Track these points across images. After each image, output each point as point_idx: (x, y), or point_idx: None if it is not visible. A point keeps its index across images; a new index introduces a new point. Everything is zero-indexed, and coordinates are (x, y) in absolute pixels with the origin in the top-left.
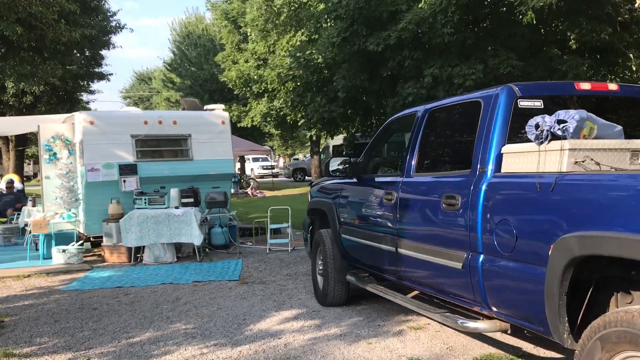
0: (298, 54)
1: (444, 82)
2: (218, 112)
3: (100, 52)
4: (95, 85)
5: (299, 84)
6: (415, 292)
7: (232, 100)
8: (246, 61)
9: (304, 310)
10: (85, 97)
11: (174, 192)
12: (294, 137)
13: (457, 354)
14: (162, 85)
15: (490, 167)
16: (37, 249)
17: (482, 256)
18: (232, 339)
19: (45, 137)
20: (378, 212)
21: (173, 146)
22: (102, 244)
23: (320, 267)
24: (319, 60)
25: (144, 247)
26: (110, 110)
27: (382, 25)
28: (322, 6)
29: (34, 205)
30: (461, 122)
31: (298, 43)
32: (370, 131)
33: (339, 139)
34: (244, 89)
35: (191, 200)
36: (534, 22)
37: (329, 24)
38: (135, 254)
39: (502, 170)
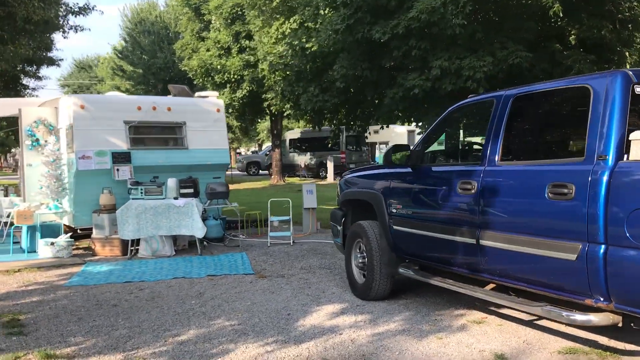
0: (294, 42)
1: (452, 74)
2: (212, 99)
3: (51, 35)
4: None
5: (288, 73)
6: (492, 285)
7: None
8: (207, 50)
9: (346, 305)
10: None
11: (171, 182)
12: (250, 130)
13: (537, 348)
14: (112, 73)
15: (612, 155)
16: (15, 242)
17: (603, 247)
18: (288, 335)
19: (27, 121)
20: (449, 203)
21: (167, 134)
22: (92, 236)
23: (360, 260)
24: (314, 49)
25: (138, 239)
26: (101, 94)
27: (387, 13)
28: None
29: (5, 195)
30: (562, 109)
31: (288, 30)
32: (360, 122)
33: (295, 132)
34: (205, 78)
35: (191, 190)
36: (560, 14)
37: (327, 11)
38: (129, 246)
39: (631, 158)
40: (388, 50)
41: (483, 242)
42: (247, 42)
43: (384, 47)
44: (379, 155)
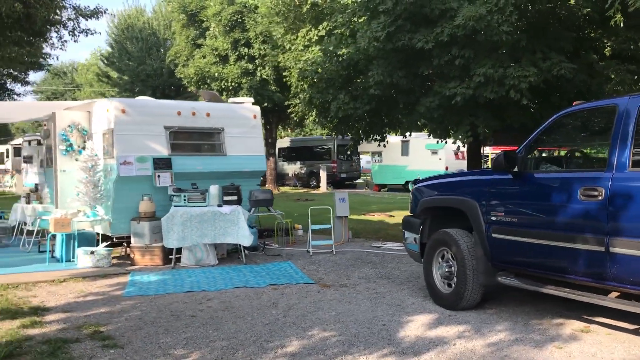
0: (329, 48)
1: (495, 82)
2: (248, 105)
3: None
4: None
5: (315, 80)
6: (617, 293)
7: (175, 98)
8: (203, 57)
9: (436, 315)
10: (17, 88)
11: (214, 189)
12: None
13: None
14: (96, 79)
15: None
16: (42, 251)
17: None
18: (399, 346)
19: (61, 125)
20: (569, 210)
21: (206, 140)
22: (131, 245)
23: (446, 270)
24: (350, 55)
25: (179, 248)
26: (140, 98)
27: (428, 22)
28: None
29: (28, 202)
30: None
31: (316, 37)
32: (384, 131)
33: (284, 141)
34: (202, 86)
35: (234, 198)
36: (622, 24)
37: (362, 19)
38: (169, 255)
39: None
40: (427, 58)
41: (613, 249)
42: (245, 49)
43: (423, 55)
44: (372, 165)
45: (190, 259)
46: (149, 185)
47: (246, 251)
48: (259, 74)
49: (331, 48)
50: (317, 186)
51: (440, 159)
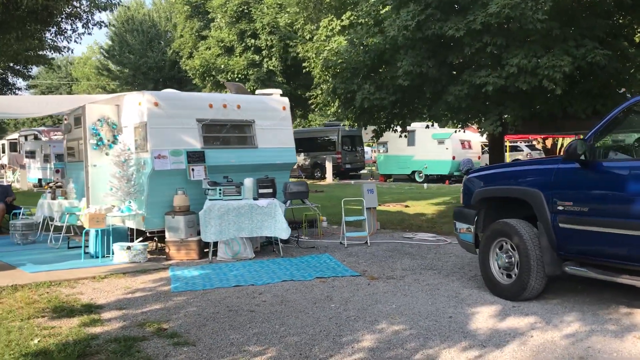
0: (356, 38)
1: (527, 73)
2: (276, 97)
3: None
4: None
5: (338, 70)
6: None
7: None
8: (208, 48)
9: (499, 306)
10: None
11: (248, 182)
12: None
13: None
14: (96, 72)
15: None
16: (71, 247)
17: None
18: (476, 338)
19: (91, 119)
20: None
21: (237, 132)
22: (166, 239)
23: (506, 260)
24: (379, 45)
25: (215, 242)
26: (170, 90)
27: (457, 10)
28: None
29: (54, 198)
30: None
31: (338, 27)
32: (408, 120)
33: None
34: (207, 78)
35: (270, 190)
36: None
37: (387, 8)
38: (204, 249)
39: None
40: (457, 47)
41: None
42: (252, 40)
43: (453, 43)
44: (378, 155)
45: (227, 253)
46: (182, 178)
47: (281, 244)
48: (265, 66)
49: (356, 38)
50: (322, 177)
51: (447, 148)
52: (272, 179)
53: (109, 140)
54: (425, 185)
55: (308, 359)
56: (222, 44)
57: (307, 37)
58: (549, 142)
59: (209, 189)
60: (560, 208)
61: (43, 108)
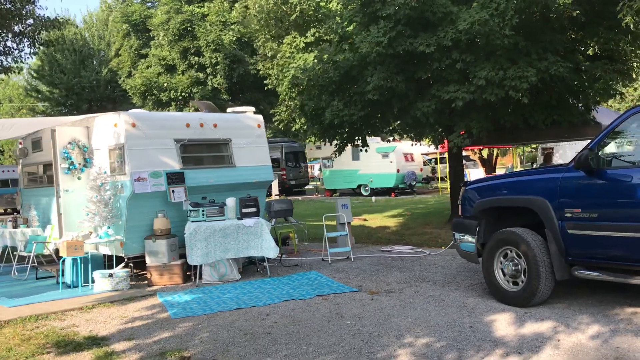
0: (324, 56)
1: (495, 85)
2: (250, 114)
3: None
4: None
5: (305, 86)
6: None
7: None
8: (148, 67)
9: (514, 313)
10: None
11: (231, 202)
12: None
13: None
14: (24, 94)
15: None
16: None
17: None
18: (509, 346)
19: (61, 142)
20: None
21: (214, 152)
22: (148, 264)
23: (513, 268)
24: (350, 62)
25: (200, 265)
26: (139, 111)
27: (427, 26)
28: (353, 5)
29: (15, 227)
30: None
31: (302, 45)
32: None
33: None
34: (148, 97)
35: (253, 210)
36: (632, 26)
37: (353, 26)
38: (187, 272)
39: None
40: (425, 62)
41: None
42: (196, 58)
43: (421, 59)
44: (323, 170)
45: (213, 275)
46: (161, 201)
47: (265, 263)
48: (210, 83)
49: (325, 55)
50: (269, 194)
51: (391, 162)
52: (255, 197)
53: (80, 164)
54: (373, 198)
55: None
56: (163, 62)
57: (270, 55)
58: (485, 153)
59: (191, 211)
60: (568, 215)
61: (6, 131)
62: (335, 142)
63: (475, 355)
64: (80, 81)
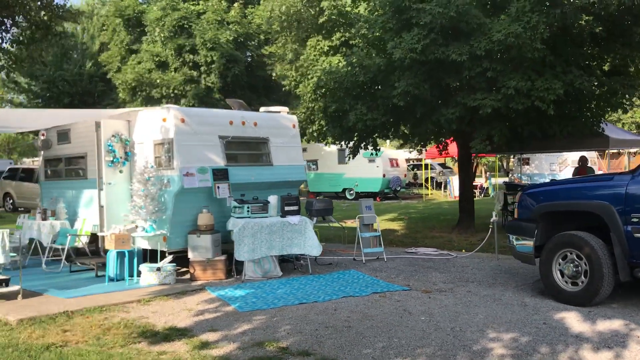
0: (354, 60)
1: (523, 94)
2: (284, 114)
3: None
4: None
5: (329, 89)
6: None
7: (94, 105)
8: (139, 62)
9: (577, 311)
10: None
11: (274, 200)
12: None
13: None
14: (2, 86)
15: None
16: (74, 271)
17: None
18: (593, 341)
19: (106, 135)
20: None
21: (254, 150)
22: (191, 259)
23: (573, 269)
24: (380, 67)
25: (241, 261)
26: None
27: (459, 36)
28: (385, 10)
29: (44, 219)
30: None
31: (326, 48)
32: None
33: None
34: (137, 93)
35: (295, 208)
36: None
37: (379, 32)
38: (229, 268)
39: None
40: (454, 70)
41: None
42: (190, 56)
43: (450, 67)
44: (308, 173)
45: (256, 272)
46: (205, 197)
47: (303, 261)
48: (203, 82)
49: (354, 59)
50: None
51: (377, 166)
52: (296, 196)
53: (121, 158)
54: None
55: None
56: (156, 59)
57: (290, 57)
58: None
59: (236, 207)
60: (635, 220)
61: (48, 121)
62: (351, 144)
63: (567, 349)
64: (62, 74)
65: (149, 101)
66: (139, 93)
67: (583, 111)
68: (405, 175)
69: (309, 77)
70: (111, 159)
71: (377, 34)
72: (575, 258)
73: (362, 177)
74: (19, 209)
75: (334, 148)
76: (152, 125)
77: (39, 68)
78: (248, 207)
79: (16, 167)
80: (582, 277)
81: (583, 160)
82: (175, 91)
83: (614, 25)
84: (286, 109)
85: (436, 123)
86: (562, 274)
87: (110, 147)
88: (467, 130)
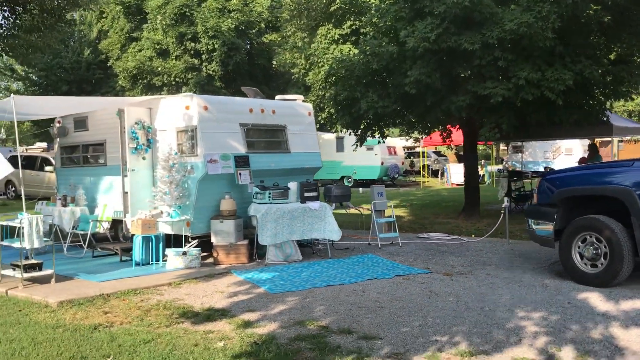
0: (366, 48)
1: (533, 84)
2: (300, 102)
3: None
4: None
5: (339, 77)
6: None
7: (92, 93)
8: (140, 50)
9: (600, 292)
10: None
11: (293, 186)
12: None
13: None
14: None
15: None
16: (96, 256)
17: None
18: (620, 320)
19: (130, 122)
20: None
21: (272, 137)
22: (214, 244)
23: (593, 251)
24: (393, 55)
25: (262, 246)
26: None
27: (471, 25)
28: (393, 0)
29: (64, 205)
30: None
31: (337, 36)
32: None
33: None
34: (138, 80)
35: (315, 194)
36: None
37: (390, 20)
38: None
39: None
40: (466, 59)
41: None
42: (192, 44)
43: (462, 56)
44: None
45: (277, 256)
46: (227, 183)
47: (321, 246)
48: (204, 70)
49: (367, 47)
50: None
51: (376, 154)
52: (316, 182)
53: (144, 145)
54: (360, 189)
55: (498, 343)
56: (158, 46)
57: (299, 45)
58: (460, 150)
59: (258, 193)
60: None
61: (70, 108)
62: (359, 132)
63: (597, 326)
64: (60, 62)
65: (150, 89)
66: (140, 81)
67: (588, 99)
68: (402, 163)
69: (320, 65)
70: (135, 145)
71: (389, 22)
72: (595, 241)
73: (361, 165)
74: (21, 196)
75: (332, 136)
76: (174, 112)
77: (34, 57)
78: (269, 193)
79: (17, 154)
80: (602, 259)
81: (592, 148)
82: (177, 79)
83: (621, 15)
84: (301, 97)
85: (445, 111)
86: (582, 257)
87: (133, 134)
88: (475, 118)
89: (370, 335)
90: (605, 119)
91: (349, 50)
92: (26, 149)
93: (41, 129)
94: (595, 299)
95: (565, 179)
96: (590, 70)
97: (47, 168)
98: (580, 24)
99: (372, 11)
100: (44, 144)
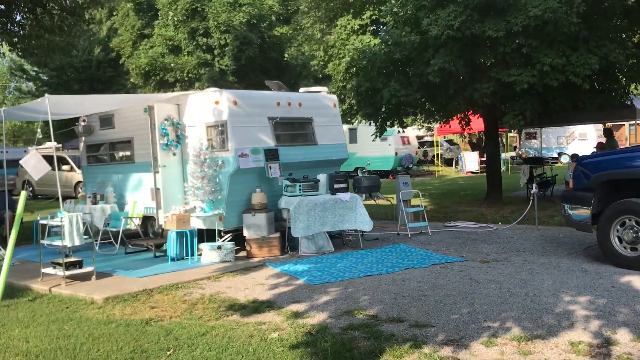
0: (388, 37)
1: (558, 70)
2: (325, 94)
3: None
4: None
5: (363, 67)
6: None
7: (104, 91)
8: (151, 47)
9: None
10: None
11: (323, 178)
12: None
13: None
14: (9, 74)
15: None
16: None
17: None
18: None
19: (160, 119)
20: None
21: (299, 130)
22: (247, 237)
23: (633, 235)
24: (415, 44)
25: (295, 238)
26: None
27: (493, 12)
28: None
29: (94, 203)
30: None
31: (357, 27)
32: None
33: None
34: (150, 77)
35: (345, 185)
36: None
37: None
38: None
39: None
40: (489, 47)
41: None
42: (204, 39)
43: (485, 43)
44: None
45: (310, 248)
46: (257, 176)
47: (352, 237)
48: (217, 65)
49: (388, 37)
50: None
51: (389, 145)
52: (345, 174)
53: (174, 141)
54: None
55: (551, 327)
56: (170, 43)
57: (318, 36)
58: (474, 138)
59: (288, 186)
60: None
61: (105, 106)
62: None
63: None
64: (71, 61)
65: (163, 85)
66: (152, 78)
67: (612, 83)
68: (416, 153)
69: (340, 56)
70: (165, 142)
71: (410, 11)
72: (635, 224)
73: (374, 156)
74: (38, 196)
75: (345, 127)
76: (203, 108)
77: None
78: (300, 186)
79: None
80: None
81: (608, 132)
82: (189, 75)
83: None
84: (325, 89)
85: (468, 99)
86: (620, 240)
87: (164, 131)
88: (498, 105)
89: (421, 323)
90: (629, 102)
91: (369, 41)
92: (37, 149)
93: (57, 129)
94: (638, 282)
95: (601, 163)
96: (615, 54)
97: (64, 167)
98: (604, 8)
99: (393, 1)
100: (54, 144)
